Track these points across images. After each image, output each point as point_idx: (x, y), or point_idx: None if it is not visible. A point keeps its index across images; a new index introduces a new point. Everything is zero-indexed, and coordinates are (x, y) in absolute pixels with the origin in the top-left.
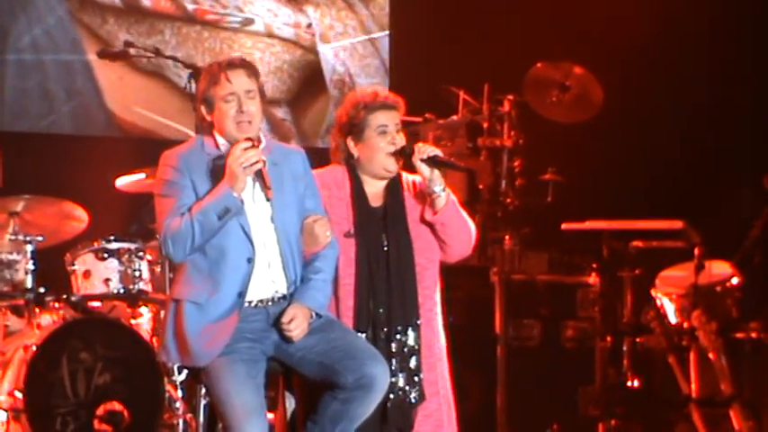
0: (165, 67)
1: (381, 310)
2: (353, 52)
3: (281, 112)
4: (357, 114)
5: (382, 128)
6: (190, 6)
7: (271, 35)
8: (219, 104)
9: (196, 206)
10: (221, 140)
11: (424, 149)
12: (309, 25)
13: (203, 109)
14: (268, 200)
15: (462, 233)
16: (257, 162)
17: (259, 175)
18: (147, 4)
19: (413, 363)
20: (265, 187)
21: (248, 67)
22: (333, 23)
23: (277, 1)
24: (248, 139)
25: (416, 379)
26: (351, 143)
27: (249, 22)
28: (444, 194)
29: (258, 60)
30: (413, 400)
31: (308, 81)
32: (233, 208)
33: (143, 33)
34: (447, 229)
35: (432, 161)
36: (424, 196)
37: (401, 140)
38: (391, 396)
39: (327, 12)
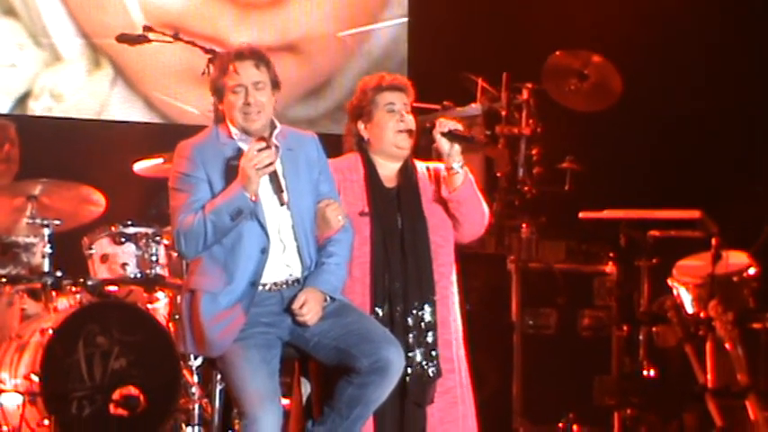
0: None
1: (398, 285)
2: None
3: None
4: (365, 97)
5: (390, 106)
6: None
7: None
8: (228, 95)
9: (209, 205)
10: (233, 129)
11: (445, 123)
12: None
13: (215, 98)
14: (282, 204)
15: (476, 213)
16: (270, 164)
17: (273, 177)
18: None
19: (429, 338)
20: (278, 191)
21: (257, 58)
22: None
23: None
24: (262, 139)
25: (433, 353)
26: (361, 126)
27: None
28: (462, 172)
29: None
30: (431, 374)
31: None
32: (245, 209)
33: None
34: (462, 207)
35: (451, 135)
36: (440, 180)
37: (410, 121)
38: (410, 370)
39: None
